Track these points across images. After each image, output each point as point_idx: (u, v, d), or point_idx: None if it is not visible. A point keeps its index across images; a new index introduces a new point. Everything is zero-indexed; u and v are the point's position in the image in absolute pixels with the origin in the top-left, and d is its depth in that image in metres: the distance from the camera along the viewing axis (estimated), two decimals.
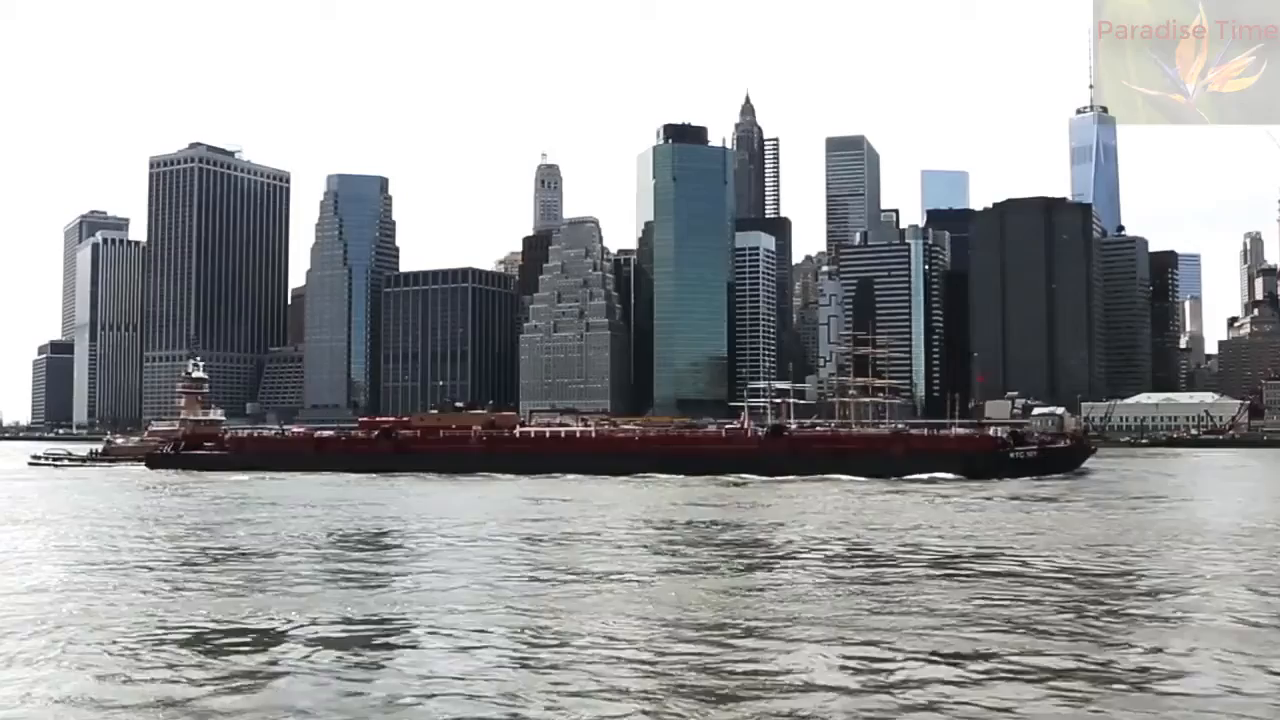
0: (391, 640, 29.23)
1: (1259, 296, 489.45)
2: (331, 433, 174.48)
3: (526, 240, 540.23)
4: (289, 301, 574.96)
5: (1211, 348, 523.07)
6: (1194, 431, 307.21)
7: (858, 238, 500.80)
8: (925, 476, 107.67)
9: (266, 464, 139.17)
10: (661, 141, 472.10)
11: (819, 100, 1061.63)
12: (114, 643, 28.82)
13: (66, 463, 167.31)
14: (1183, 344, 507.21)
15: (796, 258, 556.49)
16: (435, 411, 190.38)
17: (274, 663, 26.54)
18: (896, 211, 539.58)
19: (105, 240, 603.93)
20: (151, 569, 44.49)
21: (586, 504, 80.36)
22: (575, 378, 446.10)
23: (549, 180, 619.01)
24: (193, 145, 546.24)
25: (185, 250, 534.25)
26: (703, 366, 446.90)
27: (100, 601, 35.81)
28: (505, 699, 23.11)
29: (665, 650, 27.56)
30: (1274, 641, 28.23)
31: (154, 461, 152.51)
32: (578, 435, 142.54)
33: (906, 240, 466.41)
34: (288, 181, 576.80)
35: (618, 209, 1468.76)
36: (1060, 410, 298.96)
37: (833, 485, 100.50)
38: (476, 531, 59.97)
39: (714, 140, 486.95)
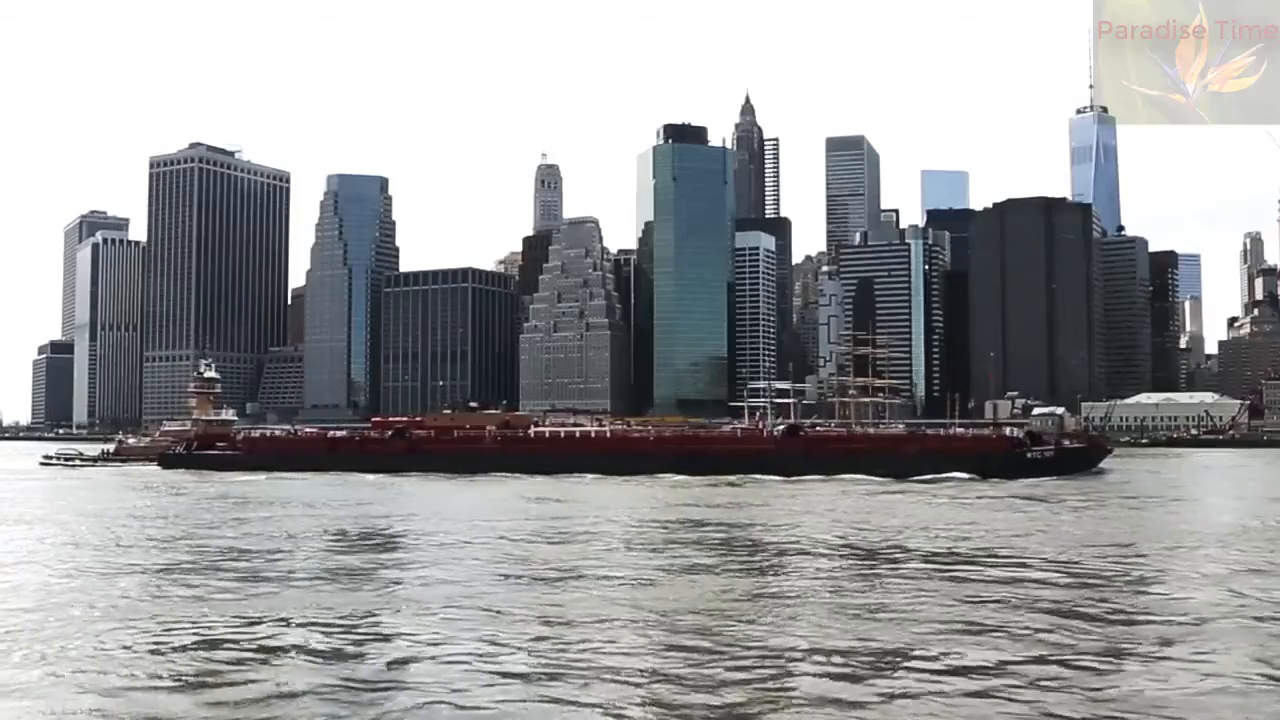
0: (395, 640, 29.28)
1: (1259, 296, 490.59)
2: (344, 433, 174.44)
3: (526, 240, 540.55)
4: (289, 301, 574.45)
5: (1211, 348, 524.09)
6: (1194, 431, 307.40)
7: (858, 238, 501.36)
8: (942, 476, 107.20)
9: (279, 464, 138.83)
10: (661, 141, 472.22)
11: (819, 100, 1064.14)
12: (122, 643, 28.91)
13: (78, 463, 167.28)
14: (1183, 344, 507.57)
15: (796, 258, 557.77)
16: (449, 411, 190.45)
17: (273, 662, 26.69)
18: (896, 211, 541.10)
19: (105, 240, 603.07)
20: (172, 569, 44.70)
21: (601, 504, 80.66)
22: (575, 378, 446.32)
23: (549, 180, 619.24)
24: (193, 145, 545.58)
25: (185, 250, 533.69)
26: (703, 366, 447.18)
27: (116, 599, 36.22)
28: (505, 698, 23.11)
29: (673, 649, 27.58)
30: None
31: (167, 462, 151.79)
32: (592, 435, 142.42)
33: (906, 240, 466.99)
34: (288, 181, 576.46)
35: (618, 209, 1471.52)
36: (1060, 410, 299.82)
37: (850, 485, 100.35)
38: (492, 530, 60.45)
39: (714, 140, 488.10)
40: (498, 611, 33.23)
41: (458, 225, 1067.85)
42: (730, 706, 22.63)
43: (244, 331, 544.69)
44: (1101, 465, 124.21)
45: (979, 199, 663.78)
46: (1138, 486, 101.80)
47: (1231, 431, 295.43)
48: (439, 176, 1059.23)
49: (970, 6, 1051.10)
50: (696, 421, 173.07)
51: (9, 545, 54.79)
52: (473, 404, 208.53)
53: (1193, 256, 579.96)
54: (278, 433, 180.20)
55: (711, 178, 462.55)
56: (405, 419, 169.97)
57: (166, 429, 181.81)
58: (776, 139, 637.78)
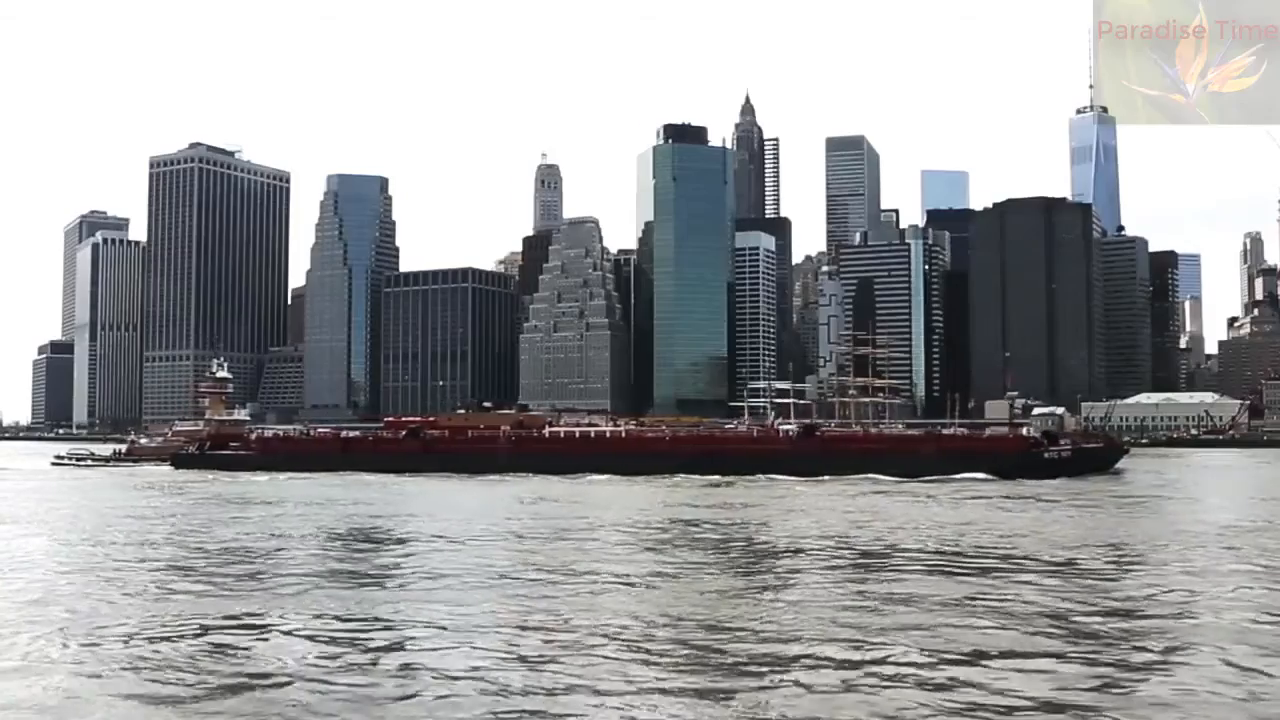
0: (398, 638, 29.45)
1: (1259, 296, 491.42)
2: (358, 433, 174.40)
3: (526, 240, 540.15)
4: (289, 301, 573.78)
5: (1211, 348, 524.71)
6: (1194, 431, 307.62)
7: (858, 238, 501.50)
8: (960, 477, 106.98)
9: (293, 464, 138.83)
10: (661, 141, 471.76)
11: (819, 100, 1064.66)
12: (130, 638, 29.35)
13: (90, 463, 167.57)
14: (1183, 344, 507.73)
15: (796, 258, 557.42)
16: (463, 411, 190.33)
17: (275, 659, 26.99)
18: (896, 211, 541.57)
19: (105, 240, 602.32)
20: (188, 567, 45.28)
21: (622, 503, 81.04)
22: (575, 378, 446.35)
23: (549, 180, 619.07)
24: (193, 145, 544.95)
25: (185, 250, 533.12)
26: (703, 366, 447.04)
27: (133, 596, 36.85)
28: (505, 698, 23.22)
29: (682, 650, 27.71)
30: None
31: (180, 462, 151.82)
32: (607, 435, 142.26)
33: (906, 240, 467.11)
34: (288, 181, 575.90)
35: (618, 209, 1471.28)
36: (1060, 410, 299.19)
37: (869, 485, 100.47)
38: (507, 529, 61.02)
39: (714, 140, 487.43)
40: (506, 611, 33.42)
41: (458, 225, 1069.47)
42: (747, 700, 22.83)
43: (244, 331, 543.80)
44: (1119, 466, 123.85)
45: (979, 199, 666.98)
46: (1170, 487, 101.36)
47: (1231, 431, 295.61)
48: (439, 176, 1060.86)
49: (970, 6, 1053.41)
50: (712, 422, 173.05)
51: (38, 544, 55.45)
52: (486, 404, 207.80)
53: (1193, 256, 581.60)
54: (291, 432, 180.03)
55: (711, 178, 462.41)
56: (419, 419, 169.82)
57: (179, 429, 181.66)
58: (776, 139, 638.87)
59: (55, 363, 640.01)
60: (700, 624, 31.06)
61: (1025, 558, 46.41)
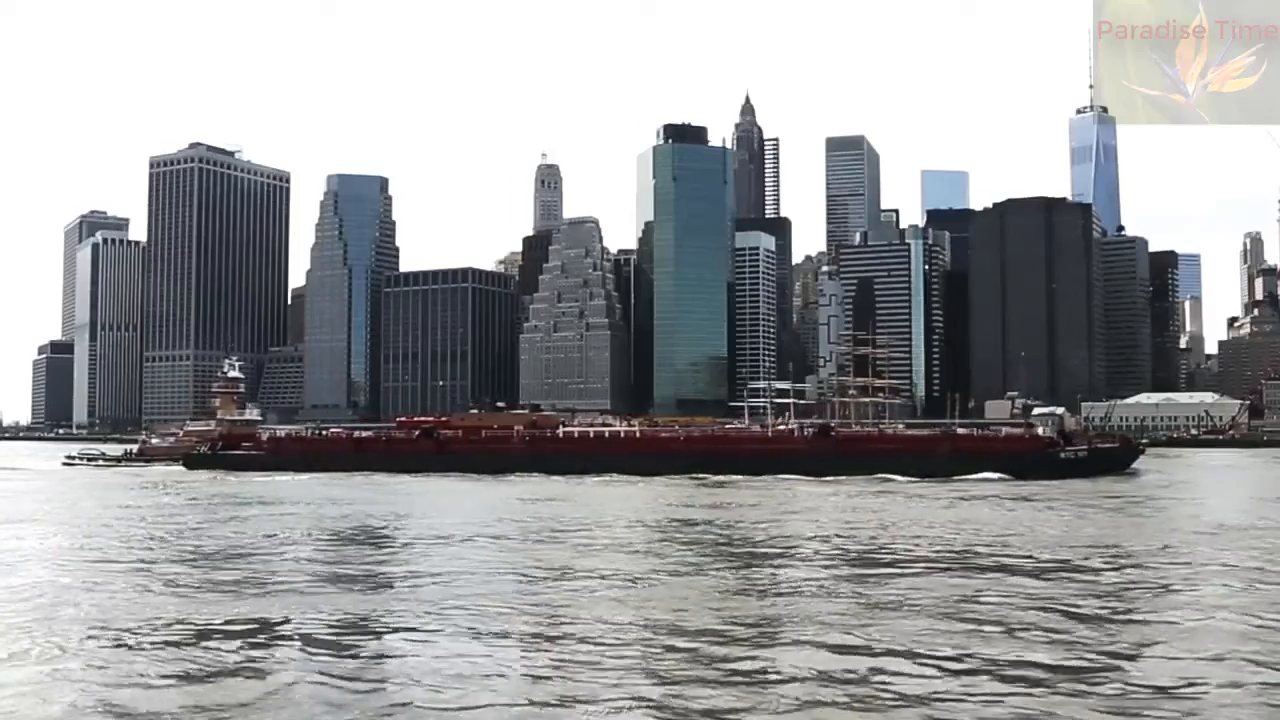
0: (400, 639, 29.57)
1: (1259, 296, 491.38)
2: (370, 433, 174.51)
3: (526, 240, 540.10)
4: (289, 301, 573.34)
5: (1211, 348, 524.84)
6: (1194, 431, 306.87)
7: (858, 238, 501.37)
8: (975, 477, 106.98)
9: (305, 464, 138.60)
10: (661, 141, 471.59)
11: (819, 100, 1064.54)
12: (124, 642, 29.42)
13: (101, 463, 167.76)
14: (1183, 344, 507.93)
15: (796, 258, 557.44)
16: (475, 411, 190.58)
17: (274, 658, 27.30)
18: (896, 211, 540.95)
19: (105, 240, 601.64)
20: (194, 566, 45.73)
21: (634, 504, 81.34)
22: (575, 378, 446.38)
23: (549, 180, 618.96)
24: (193, 145, 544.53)
25: (185, 250, 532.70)
26: (702, 366, 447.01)
27: (140, 596, 37.25)
28: (505, 698, 23.35)
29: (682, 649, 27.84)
30: None
31: (192, 462, 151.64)
32: (621, 435, 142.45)
33: (906, 240, 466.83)
34: (288, 181, 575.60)
35: (618, 209, 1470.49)
36: (1060, 410, 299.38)
37: (886, 486, 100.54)
38: (519, 529, 61.44)
39: (714, 140, 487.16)
40: (524, 608, 33.75)
41: (458, 225, 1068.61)
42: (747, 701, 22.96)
43: (244, 331, 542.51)
44: (1134, 466, 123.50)
45: (979, 199, 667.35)
46: (1189, 488, 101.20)
47: (1231, 431, 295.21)
48: (439, 176, 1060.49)
49: (970, 6, 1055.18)
50: (725, 422, 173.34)
51: (57, 543, 56.03)
52: (500, 404, 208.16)
53: (1193, 256, 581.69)
54: (303, 432, 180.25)
55: (711, 178, 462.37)
56: (433, 419, 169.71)
57: (190, 429, 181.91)
58: (776, 139, 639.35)
59: (55, 363, 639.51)
60: (730, 619, 31.49)
61: (1082, 565, 45.84)
